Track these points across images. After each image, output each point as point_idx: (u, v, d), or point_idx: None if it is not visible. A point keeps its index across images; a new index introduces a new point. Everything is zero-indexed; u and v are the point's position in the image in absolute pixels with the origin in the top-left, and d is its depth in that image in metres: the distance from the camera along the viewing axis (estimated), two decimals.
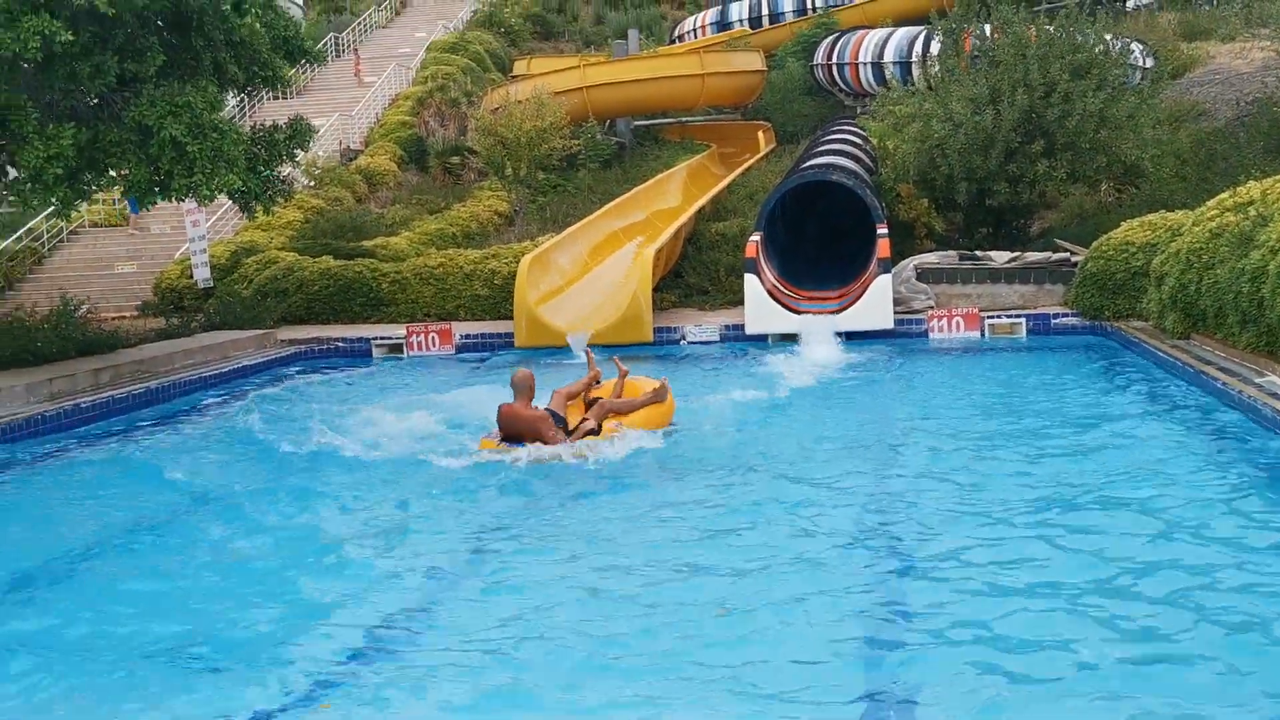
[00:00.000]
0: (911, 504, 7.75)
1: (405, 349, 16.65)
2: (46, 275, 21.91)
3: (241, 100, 27.31)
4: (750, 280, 15.80)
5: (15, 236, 22.47)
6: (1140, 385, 11.48)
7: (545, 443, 9.10)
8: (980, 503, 7.68)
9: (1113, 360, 13.15)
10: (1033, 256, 16.28)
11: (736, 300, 17.79)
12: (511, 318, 17.37)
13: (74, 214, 18.80)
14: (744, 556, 6.70)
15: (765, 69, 29.21)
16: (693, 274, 18.81)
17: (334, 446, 9.91)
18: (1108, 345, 14.13)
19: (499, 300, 17.96)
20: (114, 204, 24.17)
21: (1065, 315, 15.22)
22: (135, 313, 19.71)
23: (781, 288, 16.45)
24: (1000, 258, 16.43)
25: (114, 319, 18.62)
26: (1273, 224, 10.62)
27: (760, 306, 15.74)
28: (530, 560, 6.91)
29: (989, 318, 15.46)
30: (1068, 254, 16.26)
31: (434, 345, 16.68)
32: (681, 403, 10.89)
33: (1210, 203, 12.71)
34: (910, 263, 16.59)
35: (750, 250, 16.13)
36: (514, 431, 9.26)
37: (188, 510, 8.63)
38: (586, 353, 11.68)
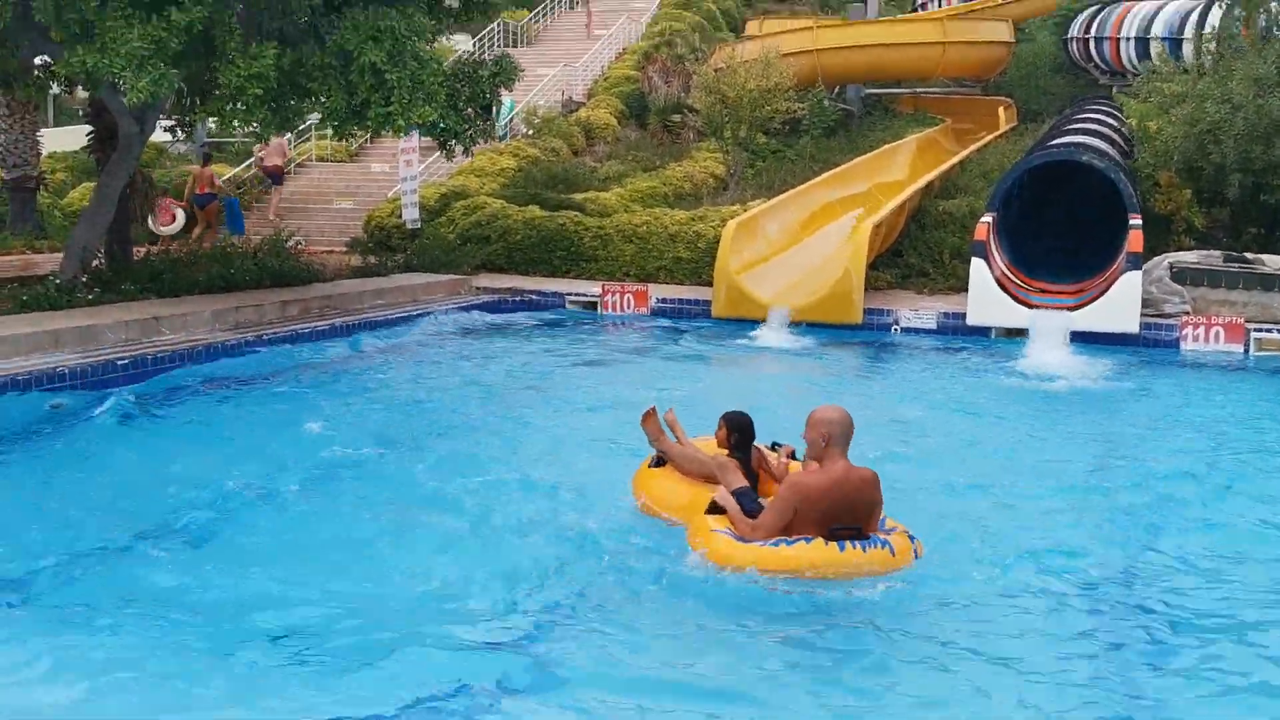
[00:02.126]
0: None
1: (599, 307, 15.95)
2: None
3: (473, 48, 27.31)
4: (977, 265, 14.27)
5: (246, 164, 23.04)
6: None
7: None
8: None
9: None
10: None
11: (958, 286, 16.24)
12: (712, 284, 16.47)
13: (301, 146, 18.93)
14: None
15: (1013, 41, 27.02)
16: (913, 254, 17.33)
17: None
18: None
19: (701, 264, 17.00)
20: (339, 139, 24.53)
21: None
22: (345, 248, 19.80)
23: (1012, 276, 14.84)
24: (1274, 262, 14.30)
25: (324, 253, 18.71)
26: None
27: (986, 295, 14.19)
28: None
29: (1256, 331, 13.43)
30: None
31: (628, 306, 15.91)
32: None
33: None
34: (1164, 260, 14.66)
35: (980, 232, 14.57)
36: (845, 515, 5.40)
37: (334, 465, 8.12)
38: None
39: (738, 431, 6.35)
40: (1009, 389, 11.59)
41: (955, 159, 20.99)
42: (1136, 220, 14.03)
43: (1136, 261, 13.62)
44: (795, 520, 5.37)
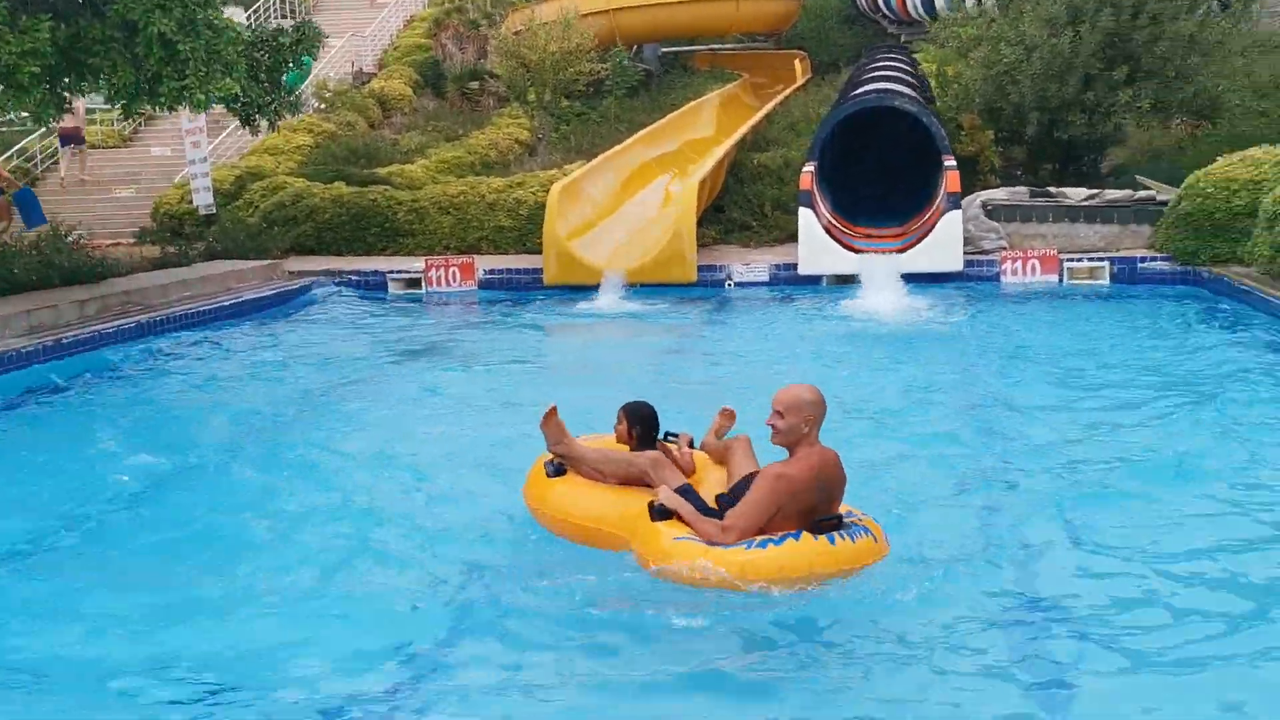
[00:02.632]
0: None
1: (424, 283, 15.28)
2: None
3: (249, 19, 25.70)
4: (805, 215, 14.35)
5: (5, 156, 21.01)
6: (1268, 342, 10.10)
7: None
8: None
9: (1222, 310, 11.74)
10: (1113, 194, 14.80)
11: (783, 238, 16.40)
12: (538, 251, 16.02)
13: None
14: None
15: None
16: (735, 208, 17.32)
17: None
18: (1207, 293, 12.70)
19: (525, 232, 16.52)
20: (112, 124, 22.74)
21: (1154, 259, 13.78)
22: (133, 239, 18.30)
23: (837, 224, 15.00)
24: (1076, 195, 14.95)
25: (111, 246, 17.22)
26: None
27: (816, 244, 14.30)
28: None
29: (1068, 261, 14.02)
30: (1152, 193, 14.77)
31: (454, 281, 15.29)
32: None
33: None
34: (977, 199, 15.11)
35: (805, 182, 14.65)
36: (824, 504, 4.90)
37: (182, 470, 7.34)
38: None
39: (640, 424, 5.50)
40: (855, 332, 11.70)
41: (763, 111, 21.13)
42: (951, 161, 14.38)
43: (956, 201, 13.97)
44: (775, 516, 4.71)
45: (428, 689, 4.28)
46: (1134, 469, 6.66)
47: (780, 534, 4.66)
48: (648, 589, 4.80)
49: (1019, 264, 14.08)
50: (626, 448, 5.52)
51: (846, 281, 14.12)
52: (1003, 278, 14.11)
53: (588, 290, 14.28)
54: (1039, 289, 13.75)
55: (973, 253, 14.38)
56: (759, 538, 4.64)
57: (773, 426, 4.80)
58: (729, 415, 5.79)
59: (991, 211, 14.85)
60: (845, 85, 20.98)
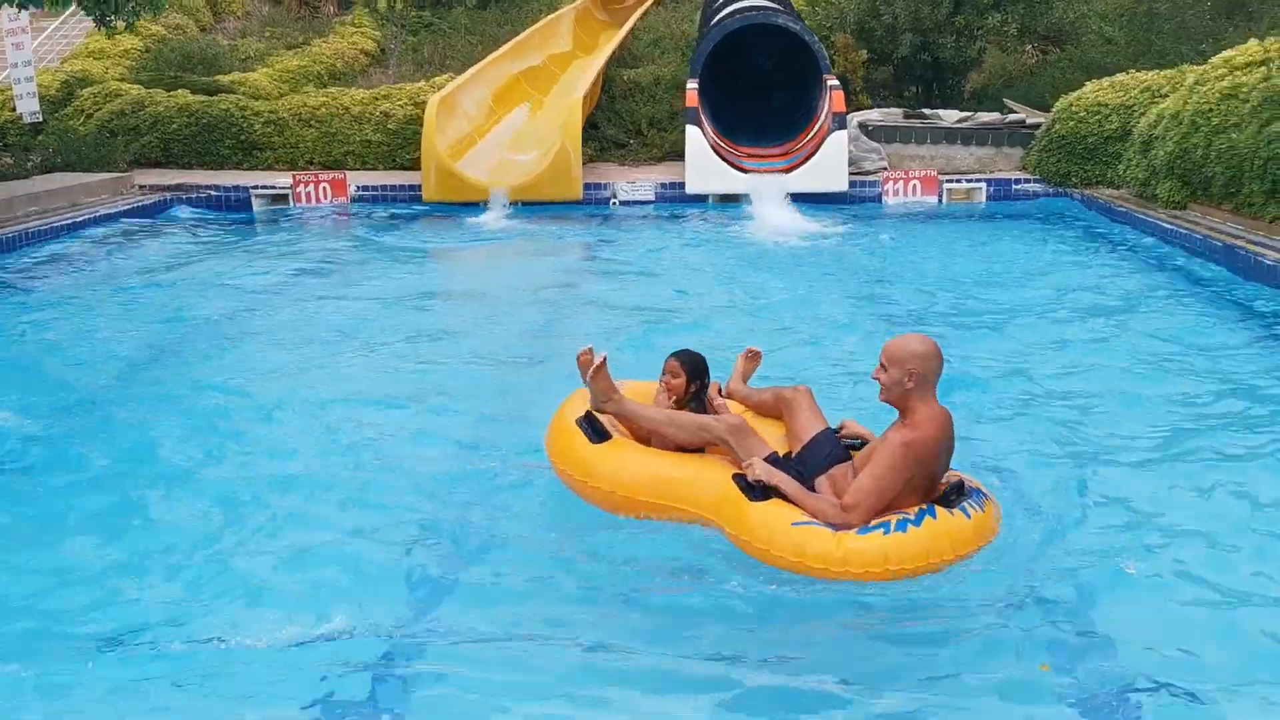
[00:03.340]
0: None
1: (292, 200, 14.41)
2: None
3: None
4: (693, 133, 14.16)
5: None
6: (1145, 258, 10.61)
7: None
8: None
9: (1098, 230, 12.26)
10: (985, 117, 15.19)
11: (662, 156, 16.25)
12: (409, 167, 15.42)
13: None
14: None
15: None
16: (609, 126, 16.99)
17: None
18: (1081, 213, 13.23)
19: (395, 147, 15.79)
20: None
21: (1028, 181, 14.25)
22: None
23: (722, 144, 14.89)
24: (949, 117, 15.30)
25: None
26: None
27: (704, 163, 14.16)
28: None
29: (947, 182, 14.35)
30: (1021, 116, 15.24)
31: (325, 197, 14.49)
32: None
33: (1215, 60, 11.76)
34: (854, 119, 15.25)
35: (690, 99, 14.44)
36: (943, 471, 4.33)
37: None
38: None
39: (700, 378, 4.68)
40: (756, 251, 11.67)
41: (627, 27, 20.69)
42: (834, 80, 14.44)
43: (842, 121, 14.06)
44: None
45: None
46: (1023, 361, 7.28)
47: (912, 511, 4.01)
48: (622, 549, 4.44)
49: (900, 185, 14.33)
50: (676, 408, 4.67)
51: (732, 200, 14.08)
52: (885, 198, 14.34)
53: (470, 208, 13.79)
54: (920, 209, 14.04)
55: (855, 173, 14.54)
56: (893, 518, 3.98)
57: (877, 381, 4.16)
58: (754, 357, 5.11)
59: (871, 133, 15.02)
60: (706, 3, 20.74)
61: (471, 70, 16.38)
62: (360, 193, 14.57)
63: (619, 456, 4.44)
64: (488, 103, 16.20)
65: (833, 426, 4.60)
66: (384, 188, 14.69)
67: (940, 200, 14.26)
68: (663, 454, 4.47)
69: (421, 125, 15.22)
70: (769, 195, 13.72)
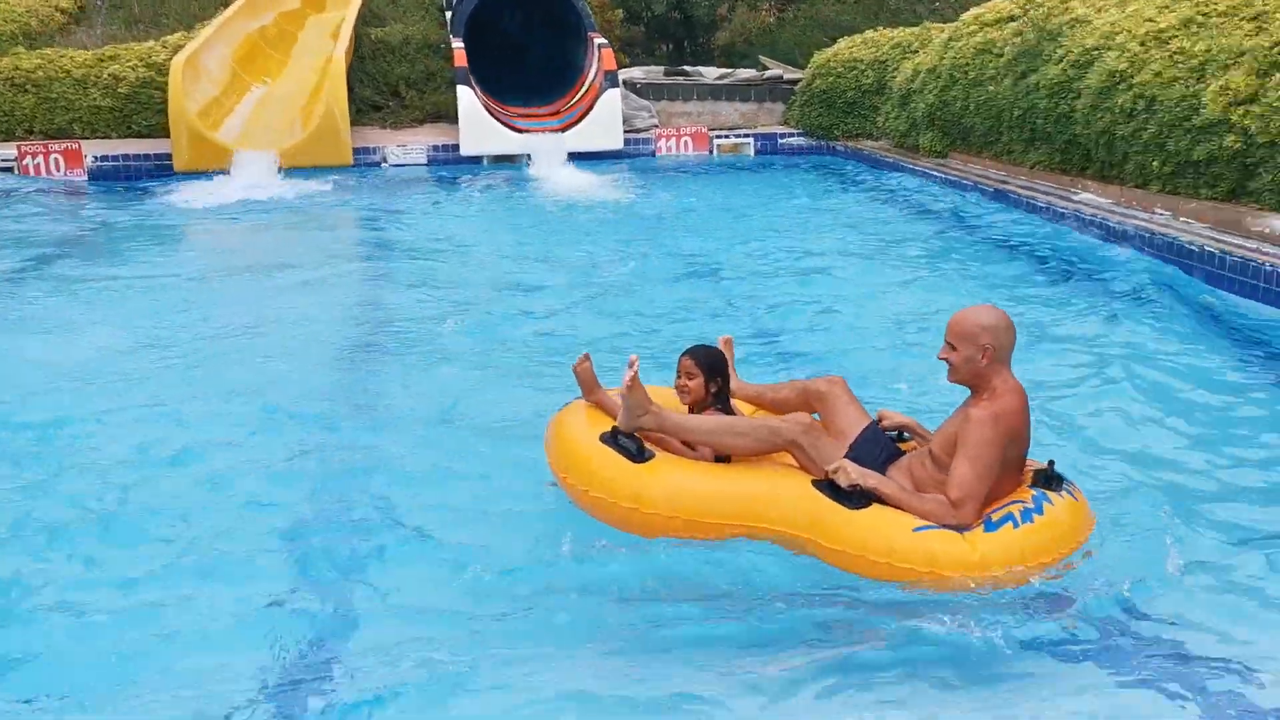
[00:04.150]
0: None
1: (18, 172, 12.90)
2: None
3: None
4: (464, 93, 13.76)
5: None
6: (918, 204, 11.28)
7: None
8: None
9: (863, 178, 12.89)
10: (744, 74, 15.62)
11: (422, 118, 15.70)
12: (150, 135, 14.14)
13: None
14: None
15: None
16: (363, 87, 16.19)
17: None
18: (846, 163, 13.88)
19: (128, 113, 14.42)
20: None
21: (792, 135, 14.79)
22: None
23: (491, 103, 14.55)
24: (710, 74, 15.63)
25: None
26: (1067, 37, 10.53)
27: (478, 124, 13.79)
28: None
29: (717, 137, 14.67)
30: (778, 72, 15.77)
31: (58, 169, 13.07)
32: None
33: (965, 17, 12.56)
34: (618, 78, 15.29)
35: (459, 58, 14.03)
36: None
37: None
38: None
39: (720, 376, 4.12)
40: (541, 209, 11.56)
41: None
42: (602, 39, 14.41)
43: (614, 80, 14.06)
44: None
45: None
46: (824, 303, 7.56)
47: (1027, 499, 3.64)
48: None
49: (673, 141, 14.54)
50: (703, 410, 4.14)
51: (508, 161, 13.84)
52: (658, 154, 14.50)
53: (228, 176, 12.80)
54: (693, 163, 14.30)
55: (628, 131, 14.60)
56: (1013, 509, 3.60)
57: (946, 361, 3.74)
58: (730, 344, 4.50)
59: (639, 90, 15.12)
60: None
61: (209, 28, 15.17)
62: (99, 164, 13.23)
63: (675, 476, 3.80)
64: (230, 63, 15.07)
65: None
66: (126, 157, 13.41)
67: (711, 154, 14.57)
68: (723, 468, 3.88)
69: (158, 89, 14.06)
70: (547, 155, 13.57)
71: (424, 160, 14.01)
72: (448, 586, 3.86)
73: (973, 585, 3.45)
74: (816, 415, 4.16)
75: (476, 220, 11.29)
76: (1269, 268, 7.09)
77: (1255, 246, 7.51)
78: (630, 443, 3.85)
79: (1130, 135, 9.19)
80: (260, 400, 5.70)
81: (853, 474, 3.61)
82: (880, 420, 4.08)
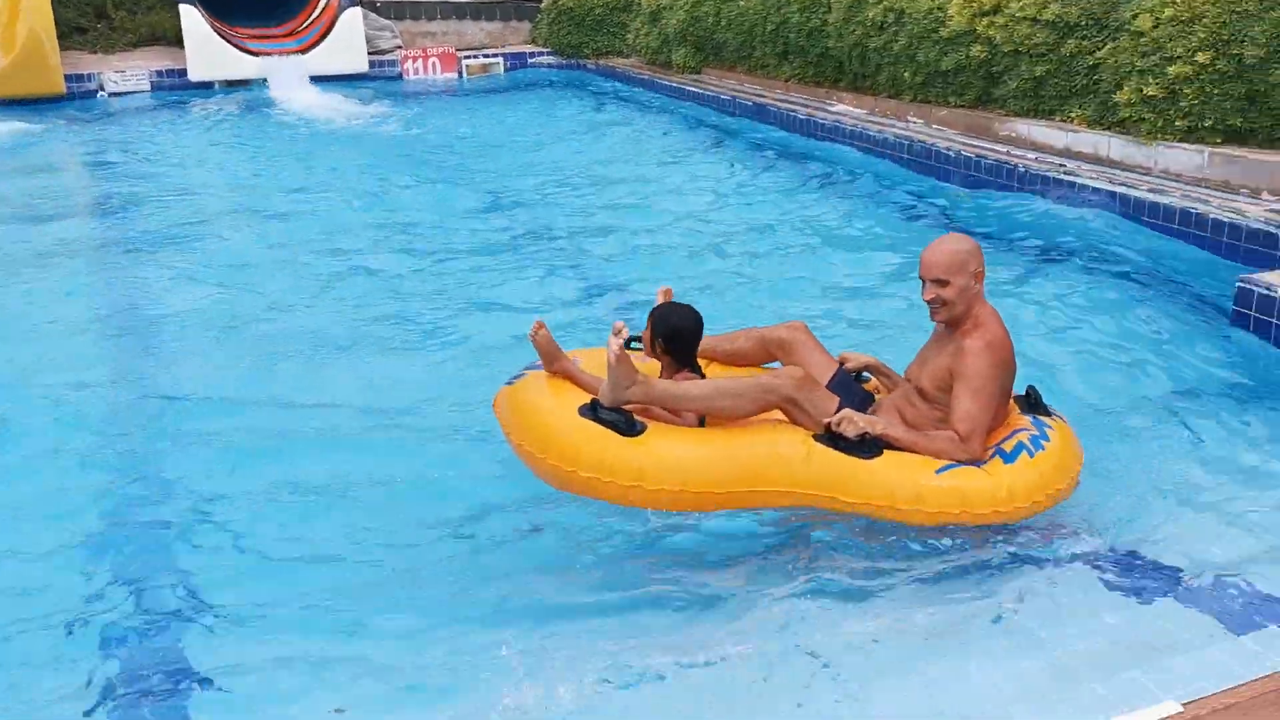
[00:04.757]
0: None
1: None
2: None
3: None
4: (189, 12, 12.71)
5: None
6: (677, 118, 11.38)
7: None
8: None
9: (619, 95, 12.87)
10: None
11: (135, 41, 14.38)
12: None
13: None
14: None
15: None
16: (63, 7, 14.60)
17: None
18: (600, 81, 13.79)
19: None
20: None
21: (542, 54, 14.54)
22: None
23: (217, 24, 13.48)
24: None
25: None
26: None
27: (207, 46, 12.78)
28: None
29: (465, 58, 14.23)
30: None
31: None
32: None
33: None
34: None
35: None
36: None
37: None
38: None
39: (678, 341, 3.77)
40: (298, 134, 10.93)
41: None
42: None
43: None
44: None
45: None
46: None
47: (1025, 425, 3.63)
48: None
49: (420, 63, 14.00)
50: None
51: (242, 85, 12.94)
52: (405, 76, 13.94)
53: None
54: (442, 85, 13.85)
55: (371, 53, 13.92)
56: (1022, 438, 3.55)
57: (938, 301, 3.55)
58: (669, 295, 4.07)
59: (380, 9, 14.42)
60: None
61: None
62: None
63: (675, 447, 3.50)
64: None
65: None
66: None
67: (460, 76, 14.14)
68: (721, 434, 3.58)
69: None
70: (288, 78, 12.78)
71: (147, 87, 12.89)
72: None
73: (1002, 521, 3.43)
74: (777, 364, 3.96)
75: (224, 153, 10.49)
76: (1021, 169, 7.60)
77: (1006, 150, 8.04)
78: (617, 415, 3.55)
79: (882, 47, 9.57)
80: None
81: (860, 423, 3.45)
82: (844, 363, 3.92)
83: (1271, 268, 5.76)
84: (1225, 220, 6.12)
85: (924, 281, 3.56)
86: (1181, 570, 3.33)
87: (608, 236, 7.33)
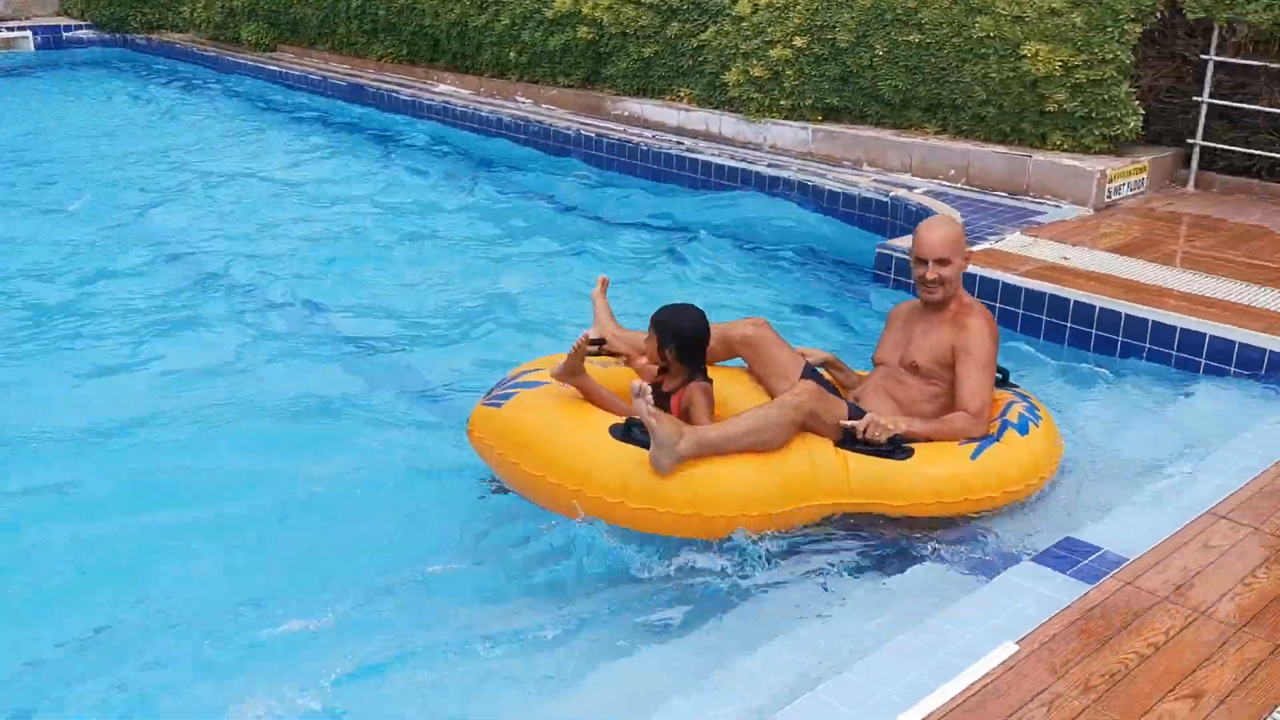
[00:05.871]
0: None
1: None
2: None
3: None
4: None
5: None
6: (250, 101, 10.72)
7: None
8: None
9: (180, 73, 11.82)
10: None
11: None
12: None
13: None
14: None
15: None
16: None
17: None
18: (162, 61, 12.53)
19: None
20: None
21: (79, 27, 12.95)
22: None
23: None
24: None
25: None
26: None
27: None
28: None
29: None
30: None
31: None
32: None
33: None
34: None
35: None
36: None
37: None
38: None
39: (687, 344, 3.54)
40: None
41: None
42: None
43: None
44: None
45: None
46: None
47: (1016, 400, 3.74)
48: None
49: None
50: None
51: None
52: None
53: None
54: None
55: None
56: (1021, 408, 3.67)
57: (939, 280, 3.62)
58: (604, 284, 3.97)
59: None
60: None
61: None
62: None
63: (728, 473, 3.25)
64: None
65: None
66: None
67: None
68: (758, 456, 3.33)
69: None
70: None
71: None
72: None
73: (1032, 494, 3.51)
74: (736, 362, 3.83)
75: None
76: (644, 147, 7.95)
77: (623, 129, 8.36)
78: (631, 432, 3.27)
79: (484, 27, 9.54)
80: None
81: (886, 424, 3.41)
82: (804, 357, 3.83)
83: (882, 231, 6.52)
84: (839, 191, 6.80)
85: (926, 262, 3.62)
86: None
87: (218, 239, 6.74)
